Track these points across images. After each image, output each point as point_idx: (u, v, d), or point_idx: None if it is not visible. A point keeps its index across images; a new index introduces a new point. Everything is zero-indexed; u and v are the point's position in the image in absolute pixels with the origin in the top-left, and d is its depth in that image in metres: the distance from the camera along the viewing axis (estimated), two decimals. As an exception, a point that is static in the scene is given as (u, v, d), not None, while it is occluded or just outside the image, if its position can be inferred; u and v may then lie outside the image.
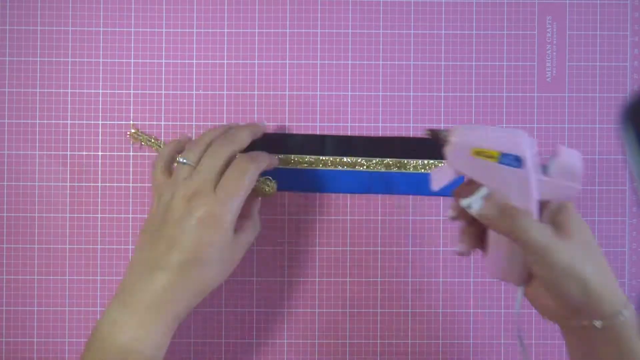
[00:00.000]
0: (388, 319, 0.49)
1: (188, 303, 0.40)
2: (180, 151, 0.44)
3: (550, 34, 0.49)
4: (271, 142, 0.49)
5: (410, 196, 0.49)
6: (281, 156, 0.49)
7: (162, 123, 0.49)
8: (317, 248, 0.49)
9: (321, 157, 0.49)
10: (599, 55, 0.49)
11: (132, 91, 0.49)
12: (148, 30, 0.49)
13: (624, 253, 0.49)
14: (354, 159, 0.49)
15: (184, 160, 0.42)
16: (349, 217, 0.49)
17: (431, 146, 0.49)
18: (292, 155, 0.49)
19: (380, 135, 0.49)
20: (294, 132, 0.49)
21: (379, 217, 0.49)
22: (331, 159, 0.49)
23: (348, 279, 0.49)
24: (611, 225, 0.49)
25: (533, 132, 0.49)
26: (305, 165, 0.49)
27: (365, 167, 0.49)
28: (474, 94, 0.49)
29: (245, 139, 0.44)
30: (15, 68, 0.49)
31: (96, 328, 0.39)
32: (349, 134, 0.49)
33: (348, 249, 0.49)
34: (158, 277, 0.39)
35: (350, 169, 0.49)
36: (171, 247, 0.39)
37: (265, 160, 0.44)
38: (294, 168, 0.49)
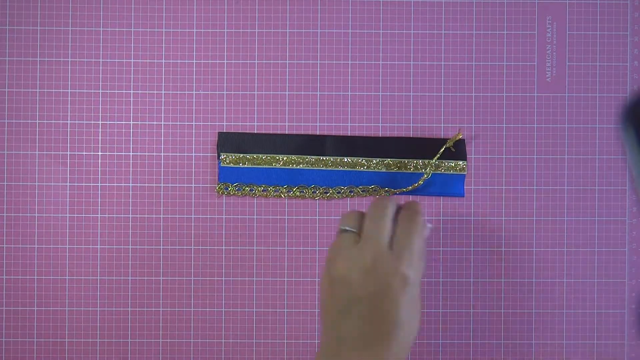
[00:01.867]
0: (388, 319, 0.49)
1: None
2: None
3: (550, 34, 0.49)
4: (271, 142, 0.49)
5: (410, 196, 0.49)
6: (284, 157, 0.49)
7: (162, 123, 0.49)
8: (317, 248, 0.49)
9: (322, 158, 0.49)
10: (599, 55, 0.49)
11: (132, 91, 0.49)
12: (148, 30, 0.49)
13: (624, 253, 0.49)
14: (354, 159, 0.49)
15: (346, 228, 0.41)
16: (349, 217, 0.49)
17: (432, 146, 0.49)
18: (293, 156, 0.49)
19: (380, 135, 0.49)
20: (294, 132, 0.49)
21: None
22: (332, 159, 0.49)
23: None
24: (611, 225, 0.49)
25: (533, 132, 0.49)
26: (306, 165, 0.49)
27: (365, 167, 0.49)
28: (474, 94, 0.49)
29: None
30: (15, 68, 0.49)
31: None
32: (348, 134, 0.49)
33: (348, 249, 0.49)
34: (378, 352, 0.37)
35: (351, 169, 0.49)
36: (367, 320, 0.38)
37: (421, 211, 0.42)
38: (294, 169, 0.49)
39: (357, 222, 0.41)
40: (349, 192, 0.49)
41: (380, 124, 0.49)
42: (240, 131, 0.49)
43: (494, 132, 0.49)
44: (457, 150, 0.49)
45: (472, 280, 0.49)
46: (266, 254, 0.49)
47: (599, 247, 0.49)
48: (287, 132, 0.49)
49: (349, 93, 0.49)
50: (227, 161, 0.48)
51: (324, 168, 0.49)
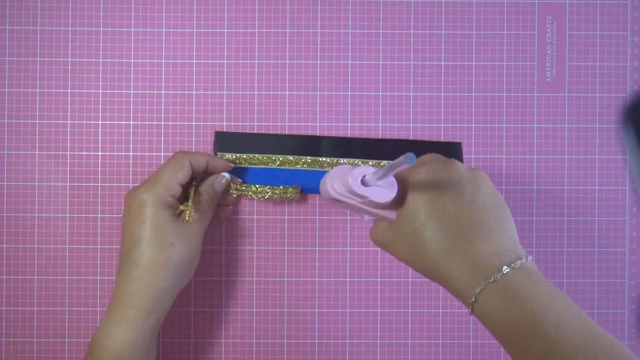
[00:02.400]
0: (388, 319, 0.49)
1: (150, 294, 0.42)
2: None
3: (550, 34, 0.49)
4: (267, 142, 0.49)
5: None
6: (280, 157, 0.49)
7: (162, 123, 0.49)
8: (317, 248, 0.49)
9: (318, 159, 0.49)
10: (599, 55, 0.49)
11: (132, 91, 0.49)
12: (148, 30, 0.49)
13: (624, 253, 0.49)
14: (351, 160, 0.49)
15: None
16: (348, 217, 0.49)
17: (427, 147, 0.49)
18: (290, 156, 0.49)
19: (380, 136, 0.49)
20: (294, 132, 0.49)
21: (379, 217, 0.49)
22: (328, 160, 0.49)
23: (348, 279, 0.49)
24: (611, 225, 0.49)
25: (533, 132, 0.49)
26: (303, 166, 0.49)
27: None
28: (474, 94, 0.49)
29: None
30: (15, 68, 0.49)
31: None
32: (348, 134, 0.49)
33: (348, 249, 0.49)
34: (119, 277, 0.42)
35: None
36: (122, 243, 0.43)
37: (198, 158, 0.45)
38: (291, 169, 0.49)
39: None
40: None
41: (380, 124, 0.49)
42: (237, 131, 0.49)
43: (494, 132, 0.49)
44: (454, 154, 0.49)
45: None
46: (266, 254, 0.49)
47: (599, 247, 0.49)
48: (286, 132, 0.49)
49: (349, 93, 0.49)
50: None
51: (320, 169, 0.49)
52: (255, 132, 0.49)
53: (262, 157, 0.49)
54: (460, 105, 0.49)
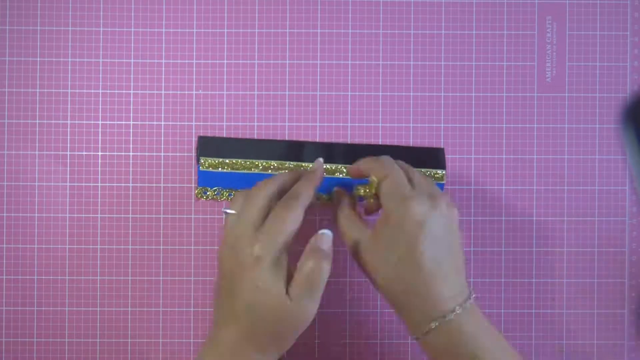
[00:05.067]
0: (388, 319, 0.49)
1: (261, 349, 0.39)
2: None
3: (550, 34, 0.49)
4: (251, 148, 0.48)
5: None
6: (263, 162, 0.48)
7: (162, 123, 0.49)
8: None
9: (302, 164, 0.49)
10: (599, 55, 0.49)
11: (132, 91, 0.49)
12: (148, 30, 0.49)
13: (624, 253, 0.49)
14: (333, 165, 0.49)
15: (229, 211, 0.41)
16: (349, 217, 0.49)
17: (411, 154, 0.48)
18: (273, 162, 0.48)
19: (378, 136, 0.49)
20: (294, 132, 0.49)
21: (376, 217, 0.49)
22: (311, 165, 0.48)
23: (348, 279, 0.49)
24: (611, 225, 0.49)
25: (533, 132, 0.49)
26: (286, 171, 0.48)
27: (345, 174, 0.49)
28: (473, 94, 0.49)
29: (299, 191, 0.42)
30: (15, 68, 0.49)
31: None
32: (348, 134, 0.49)
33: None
34: (228, 329, 0.39)
35: (330, 176, 0.49)
36: (228, 297, 0.39)
37: (309, 195, 0.41)
38: (274, 174, 0.48)
39: (239, 204, 0.41)
40: (329, 199, 0.48)
41: (380, 124, 0.49)
42: (221, 135, 0.49)
43: (494, 132, 0.49)
44: (437, 160, 0.49)
45: (472, 280, 0.49)
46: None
47: (599, 247, 0.49)
48: (285, 135, 0.49)
49: (349, 93, 0.49)
50: (206, 165, 0.48)
51: None
52: (237, 137, 0.49)
53: (245, 162, 0.48)
54: (460, 105, 0.49)
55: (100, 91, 0.49)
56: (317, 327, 0.49)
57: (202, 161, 0.48)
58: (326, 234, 0.41)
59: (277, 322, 0.39)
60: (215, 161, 0.48)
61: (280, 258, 0.39)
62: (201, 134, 0.49)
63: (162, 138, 0.49)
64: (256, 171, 0.48)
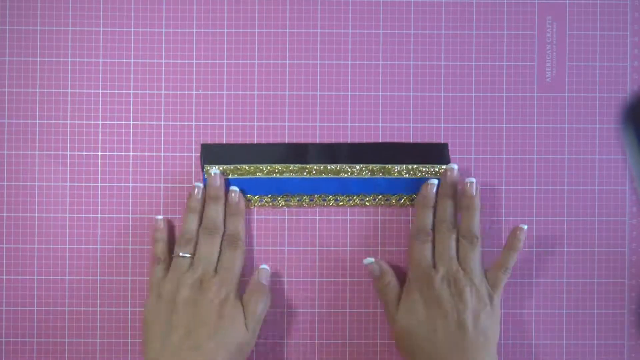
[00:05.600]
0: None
1: None
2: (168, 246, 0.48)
3: (550, 34, 0.49)
4: (254, 152, 0.48)
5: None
6: (267, 166, 0.48)
7: (162, 123, 0.49)
8: (317, 248, 0.49)
9: (306, 166, 0.49)
10: (599, 55, 0.49)
11: (132, 91, 0.49)
12: (148, 30, 0.49)
13: (624, 253, 0.49)
14: (338, 166, 0.49)
15: (183, 254, 0.47)
16: (348, 218, 0.49)
17: (415, 151, 0.48)
18: (276, 165, 0.48)
19: (378, 137, 0.49)
20: (294, 132, 0.49)
21: (379, 217, 0.49)
22: (315, 167, 0.49)
23: (348, 279, 0.49)
24: (611, 225, 0.49)
25: (533, 132, 0.49)
26: (290, 174, 0.49)
27: (349, 173, 0.49)
28: (473, 94, 0.49)
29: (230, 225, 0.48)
30: (15, 68, 0.49)
31: None
32: (348, 134, 0.49)
33: (348, 249, 0.49)
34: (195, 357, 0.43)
35: (335, 177, 0.49)
36: (198, 329, 0.44)
37: (244, 229, 0.48)
38: (279, 178, 0.48)
39: (192, 247, 0.47)
40: (335, 200, 0.49)
41: (380, 124, 0.49)
42: (223, 142, 0.49)
43: (494, 132, 0.49)
44: (441, 155, 0.49)
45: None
46: (266, 254, 0.49)
47: (599, 247, 0.49)
48: (287, 137, 0.49)
49: (349, 93, 0.49)
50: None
51: (308, 176, 0.49)
52: (240, 136, 0.49)
53: (250, 167, 0.48)
54: (460, 105, 0.49)
55: (100, 91, 0.49)
56: (317, 327, 0.49)
57: (206, 169, 0.48)
58: (265, 269, 0.48)
59: (238, 352, 0.45)
60: (220, 168, 0.48)
61: (238, 293, 0.46)
62: (202, 139, 0.49)
63: (162, 138, 0.49)
64: (261, 175, 0.48)
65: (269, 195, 0.48)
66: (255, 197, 0.48)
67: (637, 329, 0.49)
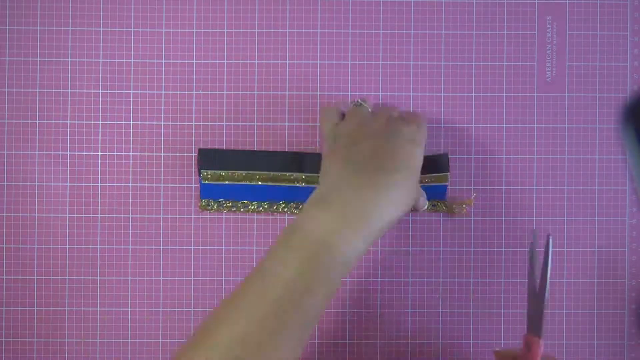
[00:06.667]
0: (388, 319, 0.49)
1: (390, 219, 0.40)
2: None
3: (550, 34, 0.49)
4: (251, 159, 0.48)
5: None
6: (263, 174, 0.48)
7: (162, 123, 0.49)
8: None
9: (302, 175, 0.48)
10: (599, 55, 0.49)
11: (132, 91, 0.49)
12: (148, 30, 0.49)
13: (624, 253, 0.49)
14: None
15: (361, 102, 0.46)
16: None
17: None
18: (272, 173, 0.48)
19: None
20: (294, 132, 0.49)
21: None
22: (311, 176, 0.48)
23: (348, 279, 0.49)
24: (611, 225, 0.49)
25: (533, 132, 0.49)
26: (286, 182, 0.48)
27: None
28: (473, 94, 0.49)
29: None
30: (15, 68, 0.49)
31: (293, 225, 0.40)
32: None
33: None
34: (368, 192, 0.40)
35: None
36: (381, 166, 0.41)
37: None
38: (275, 185, 0.48)
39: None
40: None
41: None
42: (221, 148, 0.49)
43: (494, 132, 0.49)
44: (441, 165, 0.49)
45: (472, 280, 0.49)
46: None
47: (599, 247, 0.49)
48: (286, 137, 0.49)
49: (349, 93, 0.49)
50: (209, 178, 0.48)
51: (304, 185, 0.48)
52: (240, 137, 0.49)
53: (245, 174, 0.48)
54: (461, 105, 0.49)
55: (100, 91, 0.49)
56: (317, 327, 0.49)
57: (203, 174, 0.48)
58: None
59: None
60: (216, 174, 0.48)
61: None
62: (202, 138, 0.49)
63: (162, 138, 0.49)
64: (257, 182, 0.48)
65: (266, 202, 0.48)
66: (253, 203, 0.48)
67: (637, 329, 0.49)
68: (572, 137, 0.49)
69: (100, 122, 0.49)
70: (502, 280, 0.49)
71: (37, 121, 0.49)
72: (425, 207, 0.48)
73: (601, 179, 0.49)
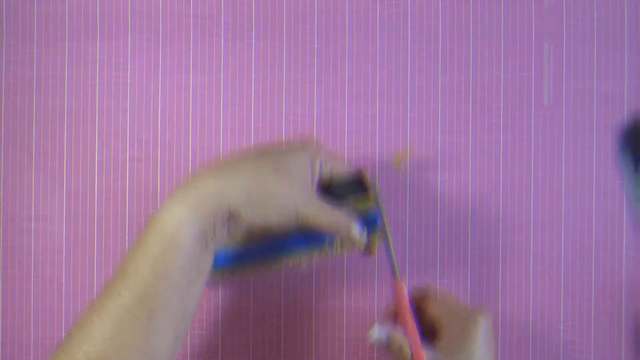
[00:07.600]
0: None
1: (230, 202, 0.37)
2: None
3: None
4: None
5: (408, 197, 0.49)
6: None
7: (161, 123, 0.49)
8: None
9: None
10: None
11: (130, 90, 0.49)
12: (145, 43, 0.49)
13: (624, 253, 0.49)
14: None
15: None
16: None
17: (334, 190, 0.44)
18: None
19: (375, 143, 0.49)
20: (293, 130, 0.49)
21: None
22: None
23: (345, 279, 0.49)
24: (611, 225, 0.49)
25: (532, 132, 0.50)
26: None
27: None
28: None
29: None
30: (12, 68, 0.49)
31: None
32: (346, 135, 0.49)
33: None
34: (206, 171, 0.38)
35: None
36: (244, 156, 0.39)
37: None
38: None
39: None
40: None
41: (377, 131, 0.49)
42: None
43: (492, 134, 0.50)
44: (355, 184, 0.43)
45: (469, 281, 0.49)
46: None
47: (598, 247, 0.49)
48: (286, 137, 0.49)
49: (346, 98, 0.49)
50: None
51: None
52: (237, 145, 0.49)
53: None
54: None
55: (98, 90, 0.49)
56: (315, 326, 0.49)
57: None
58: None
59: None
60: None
61: None
62: (200, 139, 0.49)
63: (161, 138, 0.49)
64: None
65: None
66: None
67: (637, 329, 0.49)
68: (571, 137, 0.49)
69: (99, 122, 0.49)
70: (500, 280, 0.50)
71: (37, 121, 0.49)
72: (358, 235, 0.40)
73: (601, 179, 0.49)
